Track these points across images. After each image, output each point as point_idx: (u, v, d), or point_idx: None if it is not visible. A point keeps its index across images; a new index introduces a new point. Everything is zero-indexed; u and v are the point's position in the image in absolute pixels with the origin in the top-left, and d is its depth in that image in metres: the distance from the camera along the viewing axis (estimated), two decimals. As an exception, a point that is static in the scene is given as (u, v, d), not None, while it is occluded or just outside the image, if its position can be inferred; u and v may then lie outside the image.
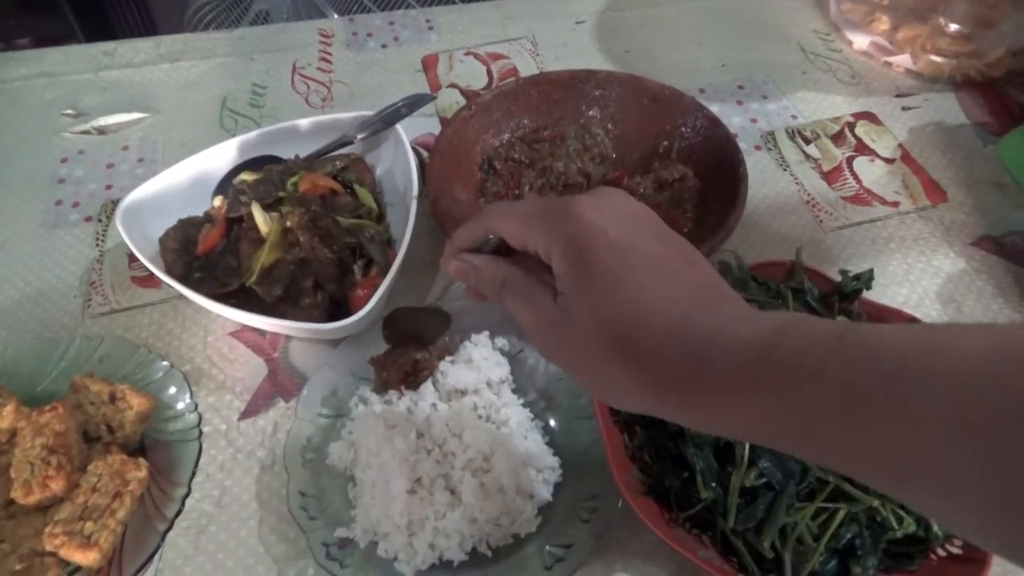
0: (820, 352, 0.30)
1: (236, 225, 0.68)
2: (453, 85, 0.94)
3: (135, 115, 0.90)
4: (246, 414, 0.64)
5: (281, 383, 0.66)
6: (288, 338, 0.69)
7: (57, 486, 0.55)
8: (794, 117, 0.90)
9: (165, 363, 0.63)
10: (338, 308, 0.67)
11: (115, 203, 0.80)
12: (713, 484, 0.52)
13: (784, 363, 0.30)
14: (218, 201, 0.69)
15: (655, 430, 0.55)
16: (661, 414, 0.35)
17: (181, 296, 0.71)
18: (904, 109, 0.91)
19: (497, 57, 0.98)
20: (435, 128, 0.87)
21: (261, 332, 0.69)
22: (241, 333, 0.70)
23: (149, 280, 0.74)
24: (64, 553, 0.53)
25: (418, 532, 0.54)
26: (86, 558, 0.52)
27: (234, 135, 0.81)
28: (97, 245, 0.77)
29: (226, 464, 0.62)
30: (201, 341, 0.69)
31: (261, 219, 0.66)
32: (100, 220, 0.79)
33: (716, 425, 0.34)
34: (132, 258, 0.75)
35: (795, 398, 0.30)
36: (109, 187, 0.82)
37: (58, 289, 0.73)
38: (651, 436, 0.55)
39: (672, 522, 0.53)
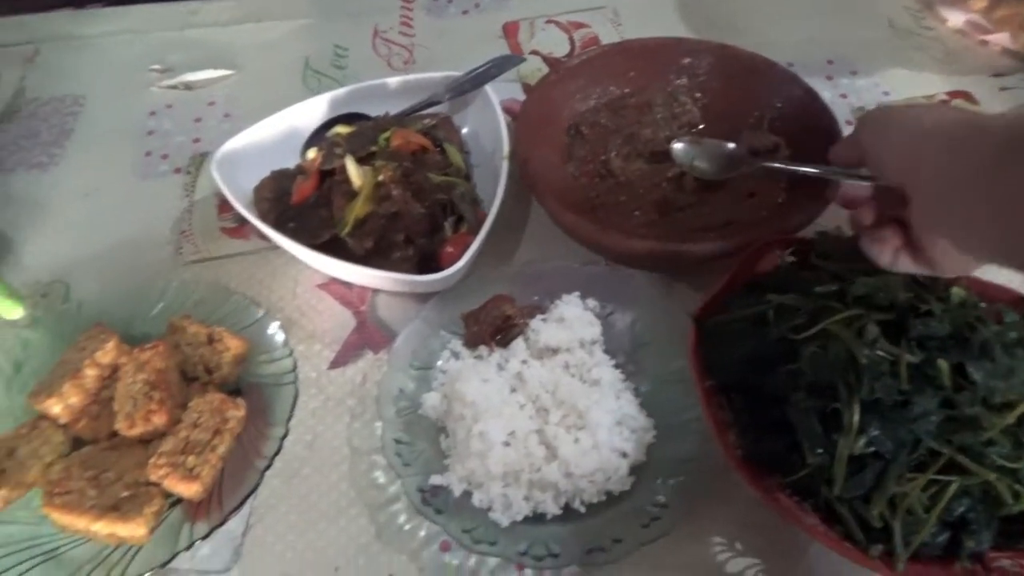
0: None
1: (328, 178, 0.69)
2: (535, 52, 0.93)
3: (220, 72, 0.91)
4: (335, 364, 0.65)
5: (369, 335, 0.67)
6: (375, 292, 0.70)
7: (159, 420, 0.56)
8: (886, 94, 0.87)
9: (260, 309, 0.64)
10: (426, 263, 0.67)
11: (203, 156, 0.81)
12: (819, 450, 0.51)
13: None
14: (312, 153, 0.70)
15: (756, 395, 0.54)
16: None
17: (270, 247, 0.72)
18: (1002, 89, 0.88)
19: (579, 26, 0.97)
20: (518, 93, 0.87)
21: (348, 285, 0.70)
22: (329, 286, 0.70)
23: (238, 231, 0.75)
24: (168, 484, 0.54)
25: (512, 484, 0.54)
26: (188, 490, 0.53)
27: (317, 95, 0.82)
28: (187, 195, 0.78)
29: (317, 411, 0.62)
30: (290, 292, 0.70)
31: (354, 172, 0.66)
32: (189, 172, 0.80)
33: None
34: (221, 209, 0.76)
35: None
36: (197, 140, 0.83)
37: (150, 237, 0.75)
38: (750, 401, 0.54)
39: (773, 488, 0.52)
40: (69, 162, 0.81)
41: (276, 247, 0.72)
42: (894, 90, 0.88)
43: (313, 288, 0.70)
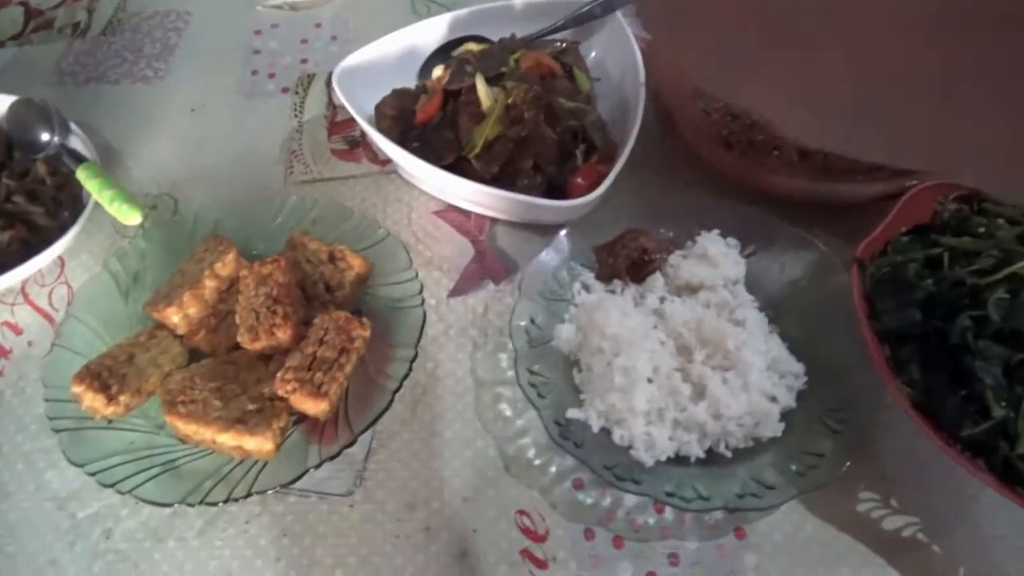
0: None
1: (452, 99, 0.65)
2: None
3: (325, -6, 0.88)
4: (455, 292, 0.62)
5: (489, 265, 0.64)
6: (494, 222, 0.66)
7: (283, 335, 0.54)
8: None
9: (383, 230, 0.61)
10: (551, 194, 0.63)
11: (311, 77, 0.78)
12: (1002, 403, 0.46)
13: None
14: (439, 71, 0.66)
15: (929, 341, 0.50)
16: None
17: (383, 171, 0.70)
18: None
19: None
20: (638, 27, 0.82)
21: (466, 214, 0.67)
22: (446, 213, 0.67)
23: (349, 153, 0.72)
24: (295, 400, 0.51)
25: (656, 422, 0.51)
26: (316, 407, 0.51)
27: (425, 18, 0.78)
28: (295, 116, 0.75)
29: (438, 338, 0.60)
30: (405, 217, 0.67)
31: (484, 92, 0.63)
32: (297, 92, 0.77)
33: None
34: (332, 130, 0.73)
35: None
36: (304, 61, 0.80)
37: (259, 154, 0.72)
38: (922, 348, 0.50)
39: (944, 444, 0.48)
40: (174, 77, 0.79)
41: (389, 171, 0.70)
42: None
43: (429, 215, 0.67)
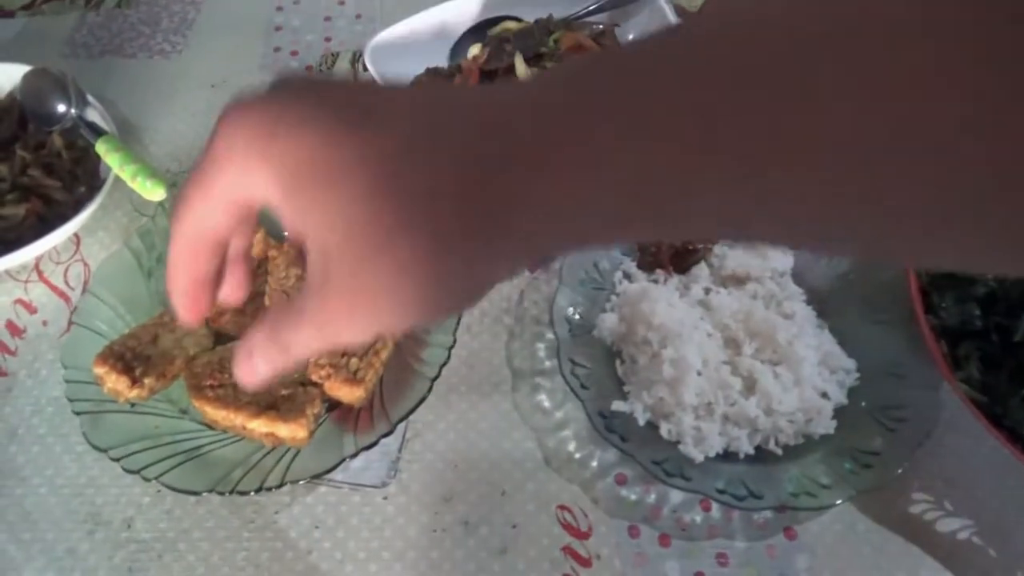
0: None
1: (489, 79, 0.63)
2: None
3: (348, -29, 0.85)
4: (490, 279, 0.60)
5: (524, 252, 0.62)
6: (528, 208, 0.64)
7: (316, 319, 0.52)
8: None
9: (416, 212, 0.59)
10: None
11: (335, 55, 0.76)
12: (1070, 404, 0.45)
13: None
14: (476, 49, 0.64)
15: (989, 338, 0.49)
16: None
17: (412, 153, 0.67)
18: None
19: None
20: (672, 13, 0.80)
21: (499, 199, 0.65)
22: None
23: (377, 134, 0.69)
24: (329, 387, 0.49)
25: (705, 416, 0.49)
26: (351, 394, 0.49)
27: None
28: (320, 94, 0.73)
29: (472, 326, 0.57)
30: (436, 201, 0.65)
31: (523, 72, 0.61)
32: (321, 70, 0.75)
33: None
34: (358, 110, 0.71)
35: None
36: (328, 39, 0.78)
37: (282, 133, 0.69)
38: (981, 346, 0.49)
39: (1007, 442, 0.46)
40: (193, 52, 0.76)
41: (419, 154, 0.67)
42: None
43: (460, 199, 0.65)
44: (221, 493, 0.46)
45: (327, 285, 0.23)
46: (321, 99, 0.23)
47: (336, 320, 0.23)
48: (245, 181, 0.23)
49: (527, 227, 0.22)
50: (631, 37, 0.71)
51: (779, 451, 0.49)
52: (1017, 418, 0.46)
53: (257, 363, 0.26)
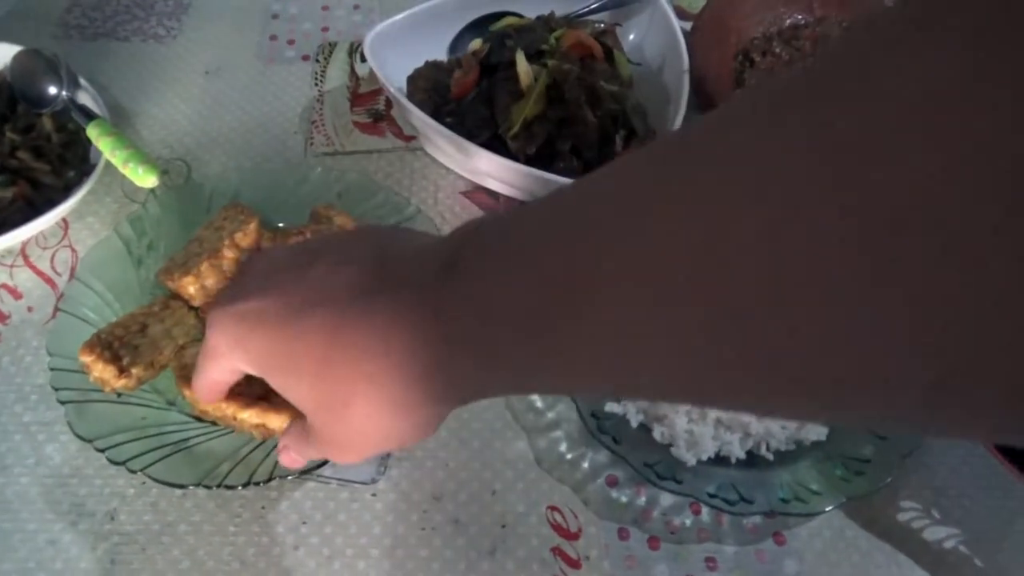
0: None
1: (489, 74, 0.63)
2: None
3: (346, -39, 0.84)
4: (484, 276, 0.60)
5: (519, 250, 0.61)
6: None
7: (309, 312, 0.51)
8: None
9: (412, 207, 0.58)
10: (588, 180, 0.61)
11: (333, 45, 0.75)
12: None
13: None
14: (477, 44, 0.64)
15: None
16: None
17: (408, 147, 0.67)
18: None
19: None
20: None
21: (495, 196, 0.64)
22: (474, 194, 0.64)
23: (372, 127, 0.69)
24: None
25: (699, 420, 0.49)
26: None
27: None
28: (316, 85, 0.72)
29: (466, 323, 0.57)
30: (432, 196, 0.64)
31: (524, 69, 0.60)
32: (318, 60, 0.74)
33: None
34: (355, 102, 0.70)
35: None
36: (325, 29, 0.77)
37: (277, 123, 0.69)
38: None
39: (996, 452, 0.47)
40: (188, 37, 0.75)
41: (415, 147, 0.67)
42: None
43: (456, 195, 0.64)
44: (208, 487, 0.46)
45: (317, 437, 0.31)
46: (275, 290, 0.29)
47: (331, 454, 0.33)
48: (234, 366, 0.32)
49: (457, 370, 0.26)
50: (631, 37, 0.71)
51: (771, 456, 0.49)
52: (1007, 429, 0.46)
53: (291, 457, 0.38)
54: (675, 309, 0.18)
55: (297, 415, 0.47)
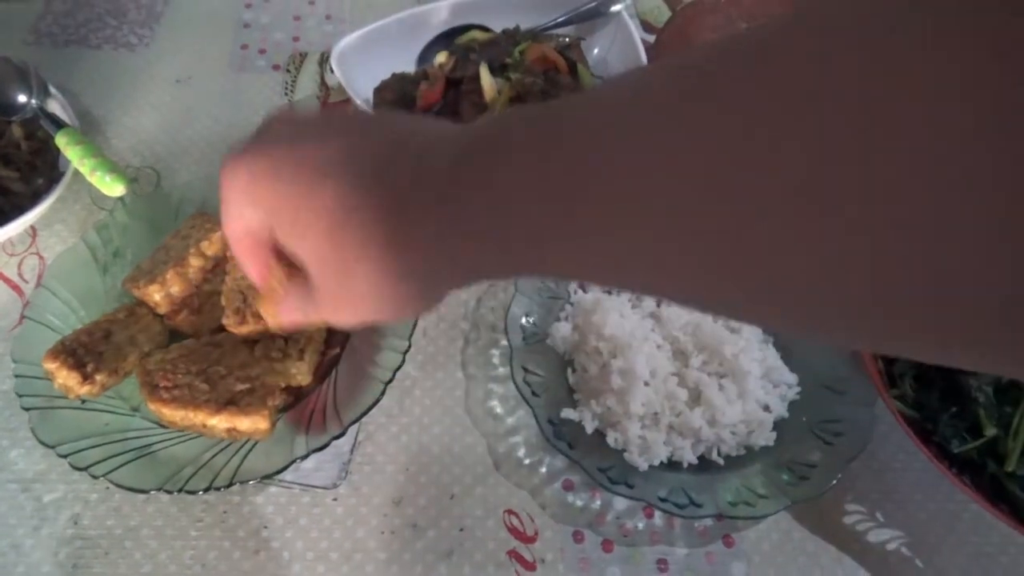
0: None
1: (455, 87, 0.64)
2: (655, -12, 0.88)
3: (319, -28, 0.85)
4: (448, 284, 0.61)
5: (483, 259, 0.63)
6: (489, 215, 0.65)
7: (272, 320, 0.52)
8: None
9: (377, 216, 0.59)
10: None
11: (304, 55, 0.76)
12: (994, 422, 0.47)
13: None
14: (442, 57, 0.65)
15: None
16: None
17: (377, 157, 0.68)
18: None
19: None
20: (638, 28, 0.82)
21: (461, 205, 0.65)
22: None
23: (342, 136, 0.70)
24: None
25: (651, 426, 0.51)
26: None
27: (423, 3, 0.76)
28: (287, 95, 0.73)
29: (428, 330, 0.58)
30: (398, 205, 0.65)
31: (488, 82, 0.62)
32: (288, 70, 0.75)
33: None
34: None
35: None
36: (296, 39, 0.78)
37: (247, 131, 0.68)
38: (916, 364, 0.51)
39: (933, 458, 0.48)
40: (160, 45, 0.76)
41: (383, 157, 0.68)
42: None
43: (423, 204, 0.65)
44: (169, 492, 0.46)
45: (318, 292, 0.30)
46: (292, 150, 0.29)
47: (329, 312, 0.31)
48: (247, 217, 0.31)
49: (461, 252, 0.27)
50: (596, 51, 0.72)
51: (721, 461, 0.51)
52: (946, 435, 0.48)
53: (291, 315, 0.35)
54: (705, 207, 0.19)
55: (268, 417, 0.48)
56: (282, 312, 0.35)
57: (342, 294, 0.30)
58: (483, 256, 0.26)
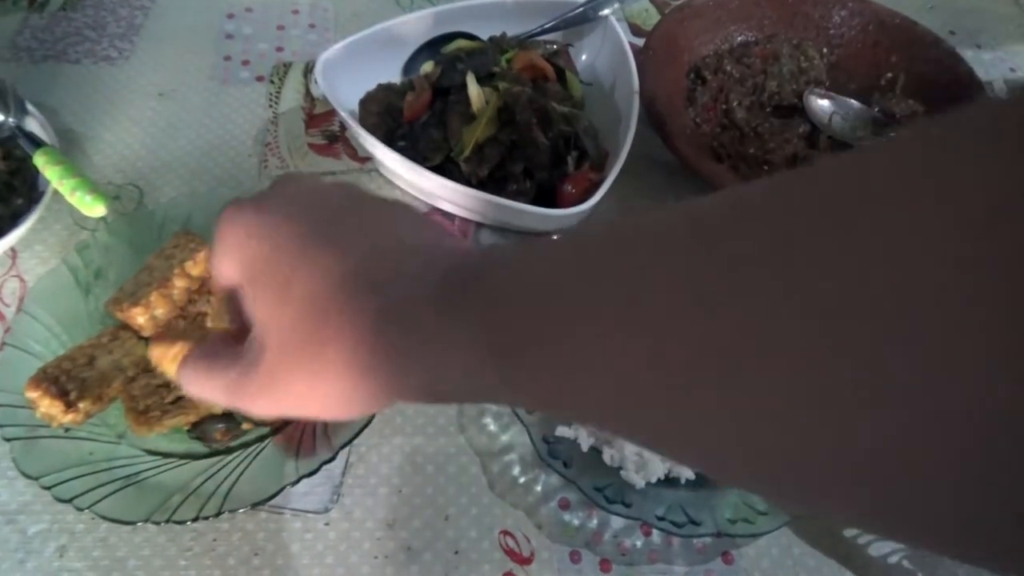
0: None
1: (441, 97, 0.63)
2: (644, -9, 0.87)
3: (302, -21, 0.84)
4: (439, 299, 0.60)
5: (474, 272, 0.62)
6: (479, 226, 0.64)
7: (259, 342, 0.51)
8: (1012, 70, 0.83)
9: (365, 232, 0.58)
10: (542, 200, 0.61)
11: (288, 66, 0.75)
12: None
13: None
14: (428, 67, 0.64)
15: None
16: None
17: (363, 168, 0.67)
18: None
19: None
20: (627, 32, 0.81)
21: (450, 217, 0.64)
22: (429, 215, 0.65)
23: (328, 148, 0.69)
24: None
25: (648, 443, 0.50)
26: None
27: (408, 11, 0.75)
28: (271, 106, 0.72)
29: (420, 348, 0.57)
30: (387, 218, 0.64)
31: (475, 92, 0.61)
32: (272, 81, 0.74)
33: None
34: (309, 123, 0.70)
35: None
36: (280, 49, 0.77)
37: (231, 145, 0.68)
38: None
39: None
40: (141, 59, 0.74)
41: (370, 169, 0.67)
42: (1021, 67, 0.83)
43: (411, 217, 0.64)
44: (157, 523, 0.45)
45: (257, 361, 0.29)
46: (288, 227, 0.29)
47: (250, 390, 0.29)
48: (228, 268, 0.31)
49: (419, 378, 0.27)
50: (584, 57, 0.71)
51: (719, 477, 0.50)
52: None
53: (185, 378, 0.33)
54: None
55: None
56: (195, 366, 0.32)
57: (278, 373, 0.28)
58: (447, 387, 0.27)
